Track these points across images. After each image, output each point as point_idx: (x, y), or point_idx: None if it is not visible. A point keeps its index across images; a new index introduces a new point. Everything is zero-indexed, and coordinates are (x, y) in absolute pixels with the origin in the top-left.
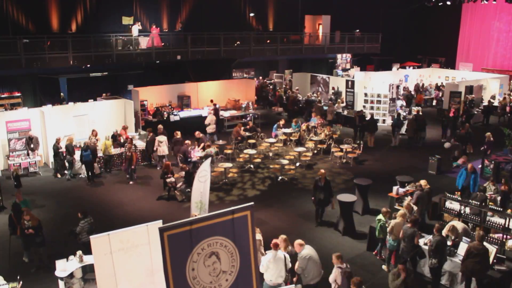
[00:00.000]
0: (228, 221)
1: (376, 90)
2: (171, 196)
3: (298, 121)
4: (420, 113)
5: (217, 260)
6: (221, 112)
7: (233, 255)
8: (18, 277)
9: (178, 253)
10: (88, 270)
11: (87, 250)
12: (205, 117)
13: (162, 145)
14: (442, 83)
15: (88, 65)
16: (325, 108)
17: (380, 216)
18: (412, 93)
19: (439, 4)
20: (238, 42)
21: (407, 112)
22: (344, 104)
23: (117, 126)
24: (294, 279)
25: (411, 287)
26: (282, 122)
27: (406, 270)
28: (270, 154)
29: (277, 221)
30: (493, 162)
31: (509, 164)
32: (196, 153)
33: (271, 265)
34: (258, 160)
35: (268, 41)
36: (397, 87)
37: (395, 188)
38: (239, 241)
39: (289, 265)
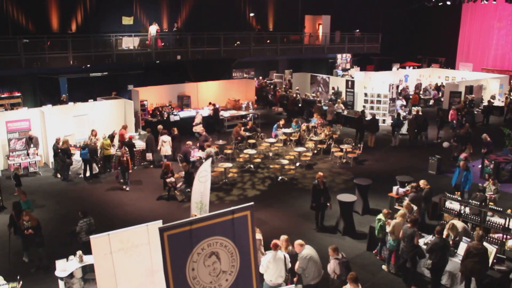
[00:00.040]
0: (228, 221)
1: (376, 90)
2: (171, 196)
3: (298, 121)
4: (420, 113)
5: (217, 260)
6: (221, 112)
7: (233, 255)
8: (18, 277)
9: (178, 253)
10: (88, 270)
11: (87, 250)
12: (205, 117)
13: (166, 145)
14: (442, 83)
15: (88, 65)
16: (325, 108)
17: (381, 216)
18: (411, 93)
19: (439, 4)
20: (238, 42)
21: (407, 112)
22: (342, 107)
23: (117, 126)
24: (295, 279)
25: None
26: (282, 122)
27: None
28: (270, 154)
29: (277, 221)
30: (493, 162)
31: (509, 164)
32: (196, 153)
33: (271, 265)
34: (258, 160)
35: (268, 41)
36: (397, 87)
37: (395, 188)
38: (239, 241)
39: (289, 265)
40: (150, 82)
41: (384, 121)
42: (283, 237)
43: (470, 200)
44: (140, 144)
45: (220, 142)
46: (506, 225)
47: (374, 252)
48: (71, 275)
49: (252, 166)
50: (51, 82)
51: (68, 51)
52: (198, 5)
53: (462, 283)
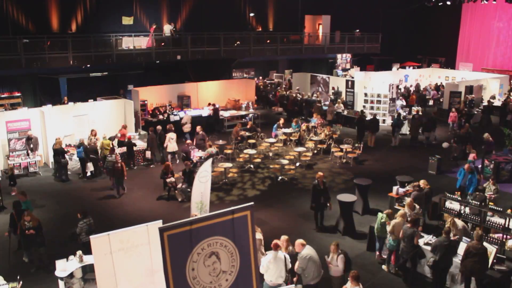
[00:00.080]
0: (228, 221)
1: (376, 90)
2: (171, 196)
3: (298, 121)
4: (420, 113)
5: (217, 260)
6: (221, 112)
7: (233, 255)
8: (18, 277)
9: (178, 253)
10: (88, 270)
11: (87, 250)
12: (205, 117)
13: (173, 142)
14: (441, 83)
15: (88, 65)
16: (325, 108)
17: (383, 214)
18: (411, 92)
19: (439, 4)
20: (238, 42)
21: (407, 112)
22: (342, 107)
23: (117, 126)
24: (294, 279)
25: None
26: (282, 121)
27: None
28: (270, 154)
29: (277, 221)
30: (493, 162)
31: (509, 164)
32: (196, 153)
33: (271, 265)
34: (258, 160)
35: (268, 41)
36: (397, 87)
37: (395, 188)
38: (239, 241)
39: (289, 265)
40: (150, 82)
41: (384, 121)
42: (284, 237)
43: (470, 200)
44: (140, 144)
45: (220, 142)
46: (506, 225)
47: (377, 254)
48: (71, 275)
49: (252, 166)
50: (51, 82)
51: (68, 51)
52: (198, 5)
53: (462, 283)
